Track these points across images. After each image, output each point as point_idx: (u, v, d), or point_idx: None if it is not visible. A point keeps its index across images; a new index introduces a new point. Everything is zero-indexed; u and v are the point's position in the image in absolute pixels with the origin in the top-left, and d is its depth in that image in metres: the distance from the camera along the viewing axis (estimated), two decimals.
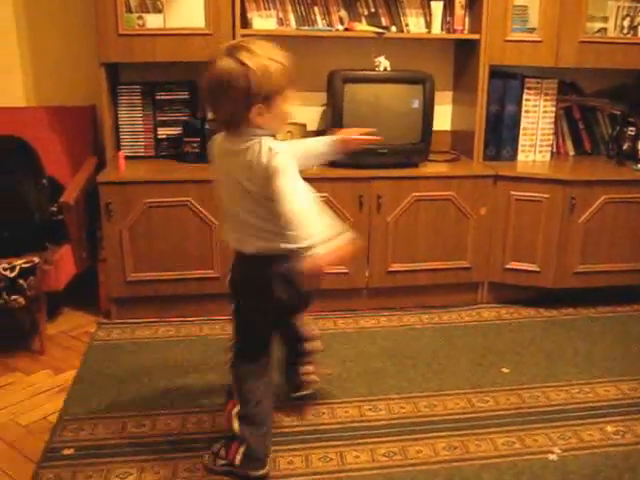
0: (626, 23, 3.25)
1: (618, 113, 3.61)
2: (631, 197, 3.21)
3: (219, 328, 3.07)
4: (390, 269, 3.20)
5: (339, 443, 2.25)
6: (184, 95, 3.26)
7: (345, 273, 3.16)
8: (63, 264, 2.91)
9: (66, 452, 2.19)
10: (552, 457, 2.21)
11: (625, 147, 3.43)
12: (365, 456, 2.18)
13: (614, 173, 3.28)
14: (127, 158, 3.14)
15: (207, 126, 3.12)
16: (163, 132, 3.28)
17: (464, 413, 2.45)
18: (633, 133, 3.40)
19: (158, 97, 3.24)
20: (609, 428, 2.38)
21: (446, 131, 3.63)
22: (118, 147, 3.23)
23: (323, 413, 2.43)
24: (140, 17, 2.92)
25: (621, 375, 2.75)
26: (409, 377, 2.68)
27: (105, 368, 2.72)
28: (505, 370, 2.77)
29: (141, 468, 2.12)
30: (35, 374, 2.71)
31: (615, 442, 2.30)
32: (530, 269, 3.25)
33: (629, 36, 3.26)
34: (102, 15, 2.89)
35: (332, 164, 3.12)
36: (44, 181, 2.99)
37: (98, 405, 2.46)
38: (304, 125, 3.43)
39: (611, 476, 2.12)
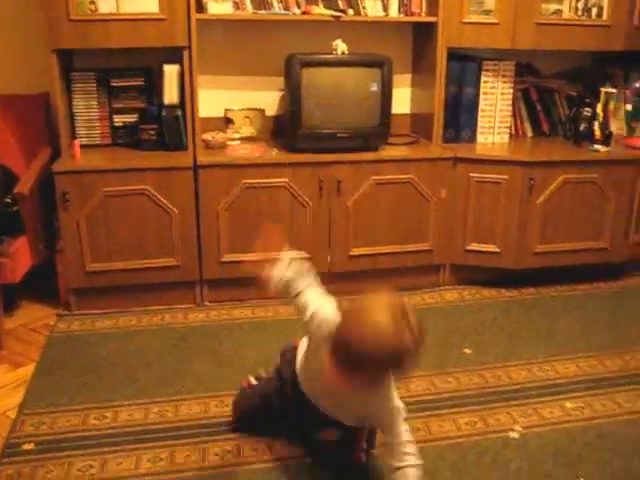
0: (580, 5, 3.27)
1: (575, 94, 3.65)
2: (588, 177, 3.26)
3: (181, 316, 3.05)
4: (352, 253, 3.19)
5: None
6: (139, 82, 3.20)
7: (307, 258, 3.14)
8: (19, 256, 2.84)
9: (26, 447, 2.15)
10: (514, 435, 2.24)
11: (582, 128, 3.46)
12: None
13: (572, 154, 3.32)
14: (83, 147, 3.09)
15: (164, 113, 3.07)
16: (119, 120, 3.22)
17: (427, 394, 2.47)
18: (589, 114, 3.43)
19: (113, 84, 3.17)
20: (568, 404, 2.43)
21: (405, 114, 3.62)
22: (73, 136, 3.16)
23: None
24: (92, 2, 2.85)
25: (580, 352, 2.80)
26: None
27: (66, 360, 2.67)
28: (467, 351, 2.80)
29: (103, 460, 2.09)
30: None
31: (574, 418, 2.34)
32: (491, 250, 3.28)
33: (584, 18, 3.28)
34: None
35: (291, 149, 3.12)
36: None
37: (59, 398, 2.42)
38: (262, 110, 3.41)
39: (571, 451, 2.16)
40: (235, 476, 2.03)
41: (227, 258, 3.09)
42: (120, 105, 3.21)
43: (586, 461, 2.11)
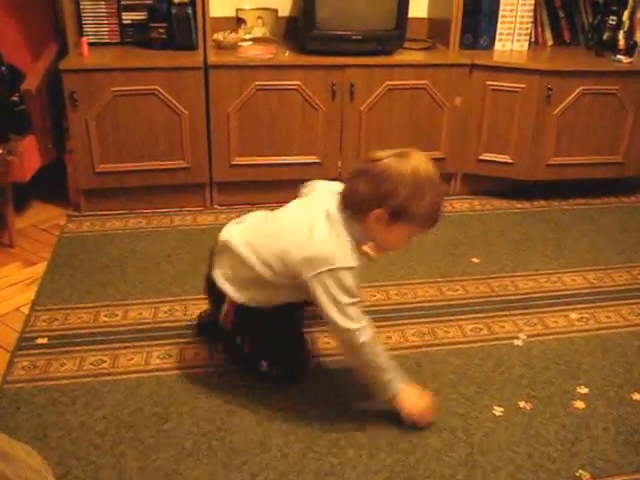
0: None
1: (600, 1, 3.50)
2: (608, 89, 3.17)
3: (190, 219, 3.06)
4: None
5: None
6: None
7: (318, 163, 3.13)
8: (28, 155, 2.83)
9: (40, 341, 2.20)
10: (518, 342, 2.28)
11: (605, 37, 3.34)
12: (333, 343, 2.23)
13: (592, 64, 3.21)
14: (90, 45, 3.00)
15: (173, 11, 2.98)
16: (128, 17, 3.12)
17: (434, 301, 2.50)
18: (614, 22, 3.31)
19: None
20: (573, 315, 2.45)
21: (422, 18, 3.50)
22: (81, 33, 3.07)
23: None
24: None
25: (589, 265, 2.80)
26: (380, 265, 2.67)
27: (76, 260, 2.70)
28: (475, 260, 2.80)
29: (114, 356, 2.14)
30: (5, 267, 2.68)
31: (578, 328, 2.37)
32: (504, 160, 3.24)
33: None
34: None
35: (304, 51, 3.04)
36: (3, 69, 2.87)
37: (70, 296, 2.46)
38: (275, 10, 3.30)
39: (573, 360, 2.20)
40: (243, 374, 2.07)
41: (237, 161, 3.06)
42: (129, 2, 3.10)
43: (588, 369, 2.15)
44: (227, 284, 1.95)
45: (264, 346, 2.04)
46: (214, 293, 2.02)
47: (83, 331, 2.26)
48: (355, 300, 1.78)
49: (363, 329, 1.80)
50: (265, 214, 2.02)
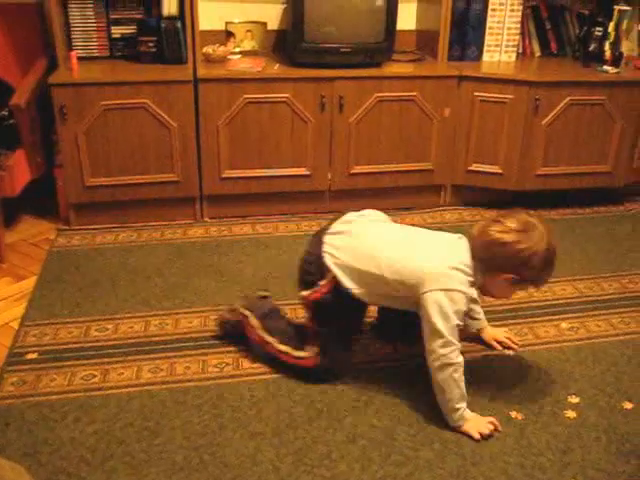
0: None
1: (586, 13, 3.53)
2: (595, 99, 3.19)
3: (181, 232, 3.05)
4: (352, 171, 3.17)
5: None
6: None
7: (307, 176, 3.13)
8: (17, 169, 2.82)
9: (30, 356, 2.19)
10: (509, 352, 2.28)
11: (591, 48, 3.37)
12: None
13: (579, 74, 3.24)
14: (80, 59, 3.02)
15: (163, 25, 2.99)
16: (117, 31, 3.13)
17: None
18: (600, 34, 3.34)
19: None
20: (564, 325, 2.46)
21: (411, 30, 3.52)
22: (70, 47, 3.08)
23: (286, 313, 2.46)
24: None
25: (578, 274, 2.81)
26: None
27: (66, 274, 2.69)
28: None
29: (105, 370, 2.13)
30: None
31: (569, 338, 2.38)
32: (493, 171, 3.25)
33: None
34: None
35: (293, 63, 3.06)
36: None
37: (60, 311, 2.45)
38: (264, 24, 3.32)
39: (564, 369, 2.20)
40: (234, 388, 2.07)
41: (227, 174, 3.07)
42: (118, 16, 3.11)
43: (578, 378, 2.15)
44: (340, 271, 2.00)
45: (329, 332, 2.07)
46: (311, 268, 2.07)
47: (73, 346, 2.25)
48: (461, 324, 1.91)
49: (459, 350, 1.91)
50: (392, 223, 2.18)
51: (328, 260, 2.01)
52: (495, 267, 1.92)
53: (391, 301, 2.04)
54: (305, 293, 2.07)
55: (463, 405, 1.92)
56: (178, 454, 1.82)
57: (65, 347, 2.24)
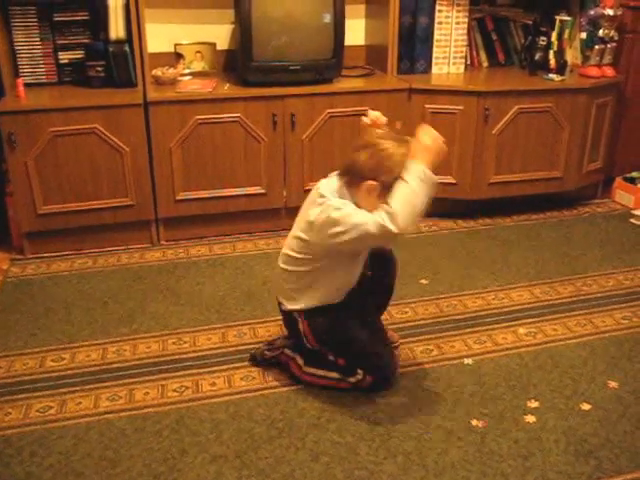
0: None
1: (530, 23, 3.61)
2: (542, 107, 3.26)
3: (137, 256, 3.02)
4: (307, 187, 3.16)
5: None
6: (84, 16, 3.07)
7: (263, 194, 3.13)
8: None
9: None
10: (468, 361, 2.30)
11: (537, 57, 3.44)
12: None
13: (526, 83, 3.31)
14: (27, 85, 2.98)
15: (110, 49, 2.97)
16: (64, 56, 3.10)
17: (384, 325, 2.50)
18: (545, 43, 3.41)
19: (56, 18, 3.04)
20: (521, 330, 2.48)
21: (360, 46, 3.56)
22: (17, 74, 3.04)
23: (245, 333, 2.45)
24: None
25: (534, 279, 2.85)
26: None
27: (21, 304, 2.64)
28: (424, 281, 2.83)
29: (62, 401, 2.09)
30: None
31: (527, 343, 2.40)
32: (447, 181, 3.28)
33: None
34: None
35: (244, 83, 3.06)
36: None
37: (15, 342, 2.40)
38: (214, 44, 3.32)
39: (522, 374, 2.22)
40: (194, 411, 2.05)
41: (182, 196, 3.05)
42: (65, 41, 3.09)
43: (537, 383, 2.18)
44: (286, 301, 2.13)
45: (355, 355, 2.13)
46: (288, 323, 2.20)
47: (28, 377, 2.21)
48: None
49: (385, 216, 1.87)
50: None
51: (285, 306, 2.14)
52: (357, 176, 1.96)
53: (334, 256, 2.03)
54: (307, 345, 2.15)
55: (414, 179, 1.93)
56: None
57: (20, 379, 2.20)
